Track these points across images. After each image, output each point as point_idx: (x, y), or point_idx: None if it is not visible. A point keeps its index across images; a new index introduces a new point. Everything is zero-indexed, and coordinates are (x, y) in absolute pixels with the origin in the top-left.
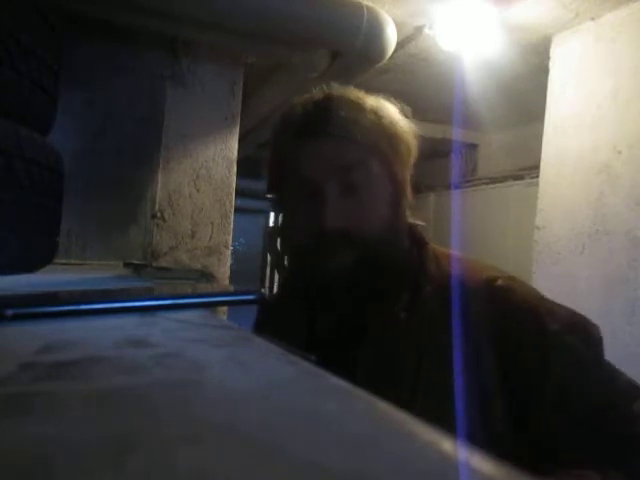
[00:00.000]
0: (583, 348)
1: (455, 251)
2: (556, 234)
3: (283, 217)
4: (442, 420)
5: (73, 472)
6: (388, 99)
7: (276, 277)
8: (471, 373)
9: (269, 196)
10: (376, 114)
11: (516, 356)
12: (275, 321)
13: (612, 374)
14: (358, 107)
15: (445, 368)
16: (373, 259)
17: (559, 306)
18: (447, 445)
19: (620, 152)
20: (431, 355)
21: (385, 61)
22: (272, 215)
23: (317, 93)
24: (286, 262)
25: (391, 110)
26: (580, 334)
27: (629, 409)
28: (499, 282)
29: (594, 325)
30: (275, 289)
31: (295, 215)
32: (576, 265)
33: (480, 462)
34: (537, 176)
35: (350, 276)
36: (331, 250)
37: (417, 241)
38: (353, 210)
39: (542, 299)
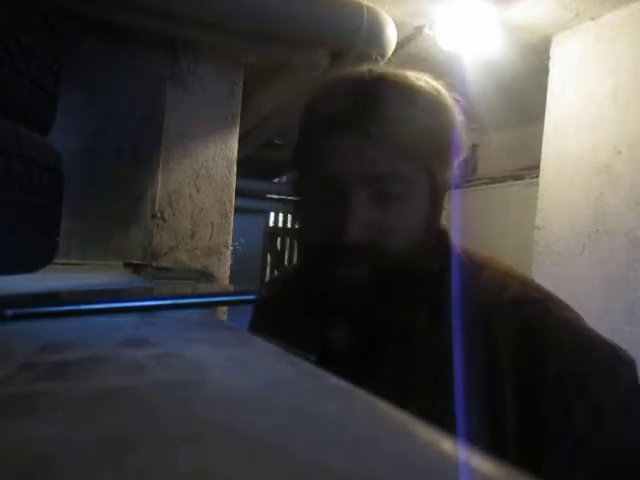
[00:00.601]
0: (609, 396)
1: (484, 254)
2: (556, 234)
3: (302, 213)
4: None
5: (73, 472)
6: (445, 85)
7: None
8: (487, 396)
9: (291, 183)
10: (429, 111)
11: (536, 392)
12: (276, 321)
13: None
14: (408, 102)
15: (460, 387)
16: (392, 277)
17: (596, 340)
18: (447, 445)
19: (620, 152)
20: (447, 375)
21: (385, 61)
22: (272, 215)
23: (365, 72)
24: (288, 261)
25: (447, 104)
26: (612, 381)
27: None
28: (528, 307)
29: (630, 364)
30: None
31: (316, 215)
32: (576, 265)
33: (480, 462)
34: (537, 176)
35: (362, 290)
36: (347, 259)
37: (442, 246)
38: (380, 223)
39: (577, 332)
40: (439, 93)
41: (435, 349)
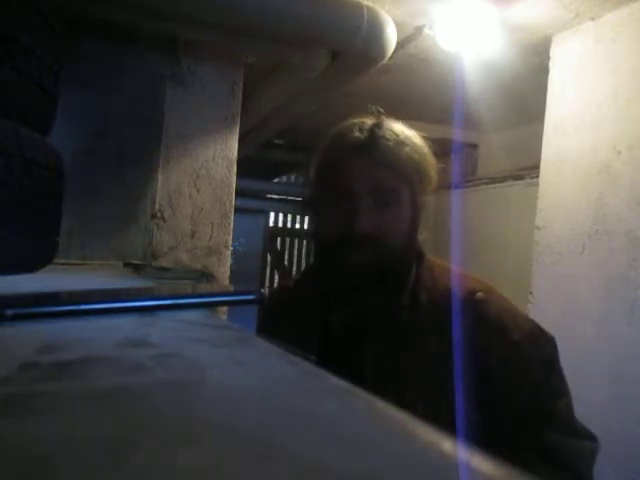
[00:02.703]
0: (536, 357)
1: (446, 263)
2: (556, 234)
3: (320, 216)
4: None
5: (73, 472)
6: (420, 135)
7: (276, 277)
8: (453, 372)
9: (305, 196)
10: (412, 150)
11: (485, 362)
12: (283, 321)
13: (554, 384)
14: (401, 142)
15: (434, 365)
16: (386, 262)
17: (525, 320)
18: (447, 445)
19: (620, 152)
20: (425, 352)
21: (385, 61)
22: (272, 215)
23: (371, 117)
24: (288, 261)
25: (424, 148)
26: (536, 345)
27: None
28: (477, 295)
29: (549, 337)
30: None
31: (333, 217)
32: (576, 265)
33: (480, 462)
34: (537, 176)
35: (366, 270)
36: (357, 246)
37: (417, 253)
38: (380, 221)
39: (512, 313)
40: (421, 140)
41: (414, 324)
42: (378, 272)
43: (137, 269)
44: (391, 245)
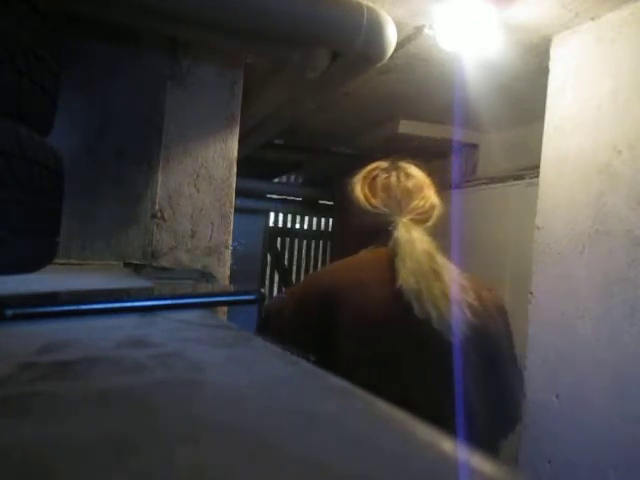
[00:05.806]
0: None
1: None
2: (556, 234)
3: None
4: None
5: (73, 472)
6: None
7: (276, 277)
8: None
9: None
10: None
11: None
12: None
13: None
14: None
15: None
16: None
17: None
18: (447, 445)
19: (620, 152)
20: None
21: (385, 61)
22: (272, 215)
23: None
24: (288, 260)
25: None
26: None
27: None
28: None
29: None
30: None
31: None
32: (576, 265)
33: (480, 462)
34: (537, 176)
35: None
36: None
37: None
38: None
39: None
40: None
41: None
42: None
43: (137, 269)
44: None
